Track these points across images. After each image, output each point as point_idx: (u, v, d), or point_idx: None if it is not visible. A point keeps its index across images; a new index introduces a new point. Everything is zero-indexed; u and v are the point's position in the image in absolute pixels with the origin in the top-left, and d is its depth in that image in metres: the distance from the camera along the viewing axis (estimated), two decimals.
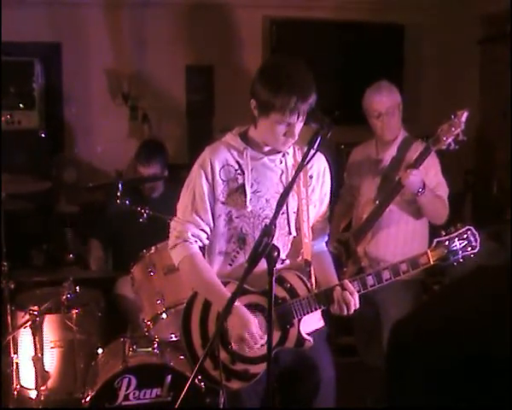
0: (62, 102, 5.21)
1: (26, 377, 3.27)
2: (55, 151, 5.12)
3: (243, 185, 2.29)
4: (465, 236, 2.39)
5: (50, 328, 3.24)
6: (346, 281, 2.29)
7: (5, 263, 3.24)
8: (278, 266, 2.29)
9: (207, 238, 2.35)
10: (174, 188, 3.78)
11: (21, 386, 3.29)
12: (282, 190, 2.26)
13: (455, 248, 2.37)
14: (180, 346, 3.15)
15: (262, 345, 2.21)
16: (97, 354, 3.23)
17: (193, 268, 2.33)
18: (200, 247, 2.36)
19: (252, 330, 2.20)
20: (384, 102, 3.15)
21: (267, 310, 1.91)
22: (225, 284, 2.29)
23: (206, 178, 2.29)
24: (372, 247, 3.21)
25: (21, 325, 3.17)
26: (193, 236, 2.32)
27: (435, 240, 2.39)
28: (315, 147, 2.07)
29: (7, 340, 3.21)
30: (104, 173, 5.19)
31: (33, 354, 3.16)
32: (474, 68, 5.58)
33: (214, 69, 5.40)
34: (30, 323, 3.13)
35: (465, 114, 2.83)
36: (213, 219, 2.33)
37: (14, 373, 3.27)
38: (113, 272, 3.86)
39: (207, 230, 2.34)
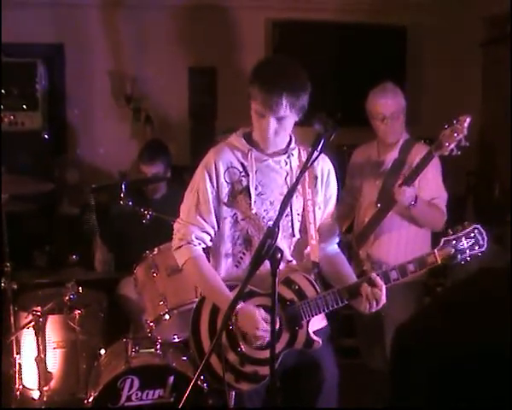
0: (65, 103, 5.22)
1: (29, 378, 3.28)
2: (58, 152, 5.13)
3: (247, 188, 2.30)
4: (472, 234, 2.38)
5: (53, 329, 3.25)
6: (374, 274, 2.29)
7: (8, 264, 3.25)
8: (284, 267, 2.30)
9: (211, 240, 2.36)
10: (177, 189, 3.81)
11: (24, 386, 3.30)
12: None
13: (462, 247, 2.37)
14: (183, 347, 3.18)
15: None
16: (100, 354, 3.23)
17: (196, 270, 2.34)
18: (203, 248, 2.36)
19: (261, 322, 2.20)
20: (389, 105, 3.13)
21: (271, 311, 1.91)
22: (233, 287, 2.29)
23: (211, 181, 2.30)
24: (374, 250, 3.21)
25: (24, 326, 3.18)
26: (196, 238, 2.33)
27: (442, 239, 2.38)
28: (319, 149, 2.08)
29: (10, 340, 3.22)
30: (106, 175, 5.20)
31: (36, 354, 3.17)
32: (476, 70, 5.57)
33: (217, 71, 5.41)
34: (33, 323, 3.14)
35: (468, 120, 2.79)
36: (219, 222, 2.33)
37: (16, 374, 3.28)
38: (115, 272, 3.86)
39: (211, 232, 2.34)
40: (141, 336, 3.21)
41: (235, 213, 2.32)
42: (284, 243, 2.33)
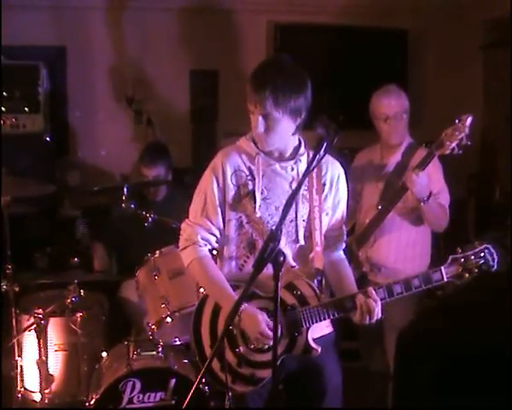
0: (67, 105, 5.22)
1: (31, 380, 3.28)
2: (60, 154, 5.13)
3: (253, 191, 2.30)
4: (482, 254, 2.28)
5: (55, 331, 3.25)
6: (371, 288, 2.27)
7: (9, 266, 3.25)
8: (287, 272, 2.30)
9: (217, 242, 2.37)
10: (178, 191, 3.83)
11: (25, 389, 3.30)
12: None
13: (470, 266, 2.28)
14: (184, 350, 3.18)
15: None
16: (101, 357, 3.24)
17: (202, 271, 2.35)
18: (209, 250, 2.37)
19: (263, 327, 2.20)
20: (393, 105, 3.14)
21: (274, 314, 1.91)
22: (235, 287, 2.29)
23: (218, 183, 2.31)
24: (374, 252, 3.21)
25: (26, 328, 3.18)
26: (202, 239, 2.33)
27: (450, 257, 2.29)
28: (321, 152, 2.07)
29: (11, 343, 3.22)
30: (108, 177, 5.20)
31: (37, 357, 3.18)
32: (477, 73, 5.58)
33: (218, 74, 5.41)
34: (34, 326, 3.14)
35: (469, 119, 2.80)
36: (224, 224, 2.34)
37: (18, 376, 3.28)
38: (117, 275, 3.87)
39: (217, 233, 2.35)
40: (142, 339, 3.21)
41: (240, 217, 2.32)
42: (288, 248, 2.32)
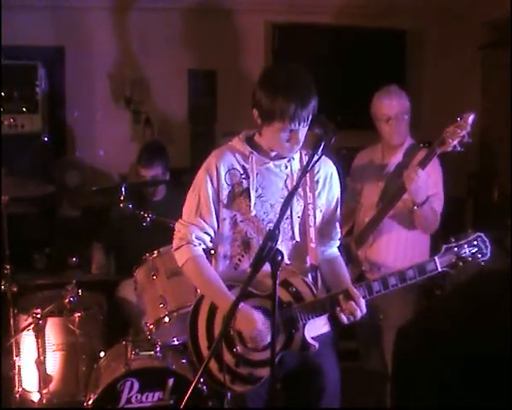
0: (65, 105, 5.23)
1: (29, 380, 3.28)
2: (58, 155, 5.14)
3: (248, 190, 2.31)
4: (475, 242, 2.33)
5: (53, 331, 3.24)
6: (351, 287, 2.28)
7: (8, 266, 3.25)
8: (282, 270, 2.30)
9: (211, 241, 2.37)
10: (176, 191, 3.83)
11: (24, 389, 3.29)
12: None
13: (464, 254, 2.32)
14: (182, 350, 3.18)
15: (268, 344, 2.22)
16: (100, 357, 3.23)
17: (196, 270, 2.35)
18: (203, 249, 2.37)
19: (259, 327, 2.20)
20: (394, 106, 3.14)
21: (272, 312, 1.92)
22: (231, 287, 2.30)
23: (212, 182, 2.31)
24: (373, 251, 3.21)
25: (24, 328, 3.18)
26: (197, 238, 2.34)
27: (444, 246, 2.33)
28: (319, 152, 2.08)
29: (10, 343, 3.22)
30: (106, 177, 5.20)
31: (36, 357, 3.18)
32: (476, 74, 5.59)
33: (217, 74, 5.42)
34: (32, 326, 3.14)
35: (471, 116, 2.80)
36: (218, 223, 2.34)
37: (16, 376, 3.27)
38: (115, 275, 3.86)
39: (211, 233, 2.35)
40: (140, 339, 3.21)
41: (234, 215, 2.33)
42: (284, 246, 2.33)
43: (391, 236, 3.19)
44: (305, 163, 2.31)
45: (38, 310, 3.17)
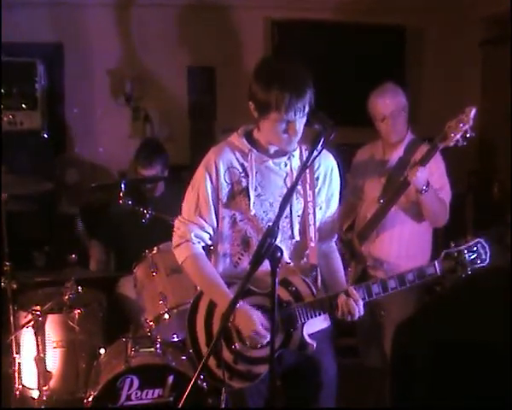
0: (64, 102, 5.22)
1: (29, 377, 3.28)
2: (57, 152, 5.13)
3: (247, 188, 2.29)
4: (475, 248, 2.32)
5: (53, 328, 3.24)
6: (351, 288, 2.28)
7: (7, 263, 3.25)
8: (282, 268, 2.30)
9: (210, 239, 2.36)
10: (175, 188, 3.81)
11: (24, 386, 3.29)
12: None
13: (464, 260, 2.31)
14: (182, 346, 3.18)
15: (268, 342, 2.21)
16: (99, 354, 3.23)
17: (196, 268, 2.34)
18: (203, 247, 2.37)
19: (257, 327, 2.20)
20: (388, 104, 3.13)
21: (271, 310, 1.91)
22: (230, 284, 2.29)
23: (211, 180, 2.30)
24: (376, 247, 3.21)
25: (24, 325, 3.18)
26: (196, 237, 2.33)
27: (444, 252, 2.33)
28: (318, 149, 2.07)
29: (9, 340, 3.22)
30: (106, 174, 5.20)
31: (35, 354, 3.17)
32: (476, 70, 5.58)
33: (216, 70, 5.41)
34: (32, 323, 3.13)
35: (473, 111, 2.79)
36: (217, 221, 2.33)
37: (16, 373, 3.28)
38: (115, 272, 3.86)
39: (210, 231, 2.34)
40: (140, 336, 3.21)
41: (233, 214, 2.32)
42: (283, 245, 2.31)
43: (394, 231, 3.19)
44: (304, 159, 2.30)
45: (38, 307, 3.16)
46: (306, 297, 2.30)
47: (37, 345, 3.15)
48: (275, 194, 2.30)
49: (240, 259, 2.35)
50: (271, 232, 1.89)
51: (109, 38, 5.22)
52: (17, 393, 3.28)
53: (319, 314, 2.30)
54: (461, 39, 5.40)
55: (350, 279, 3.09)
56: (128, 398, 2.95)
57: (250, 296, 2.27)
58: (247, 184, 2.29)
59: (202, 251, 2.36)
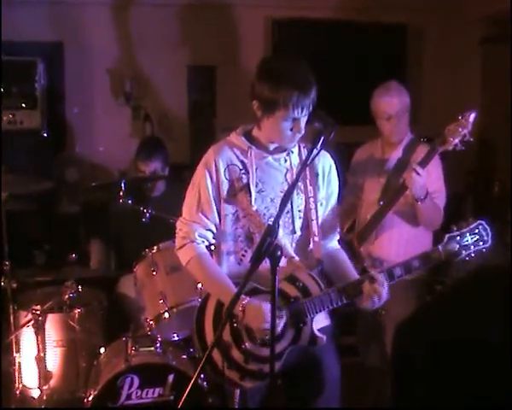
0: (64, 101, 5.22)
1: (29, 377, 3.28)
2: (57, 151, 5.13)
3: (248, 185, 2.30)
4: (476, 230, 2.37)
5: (53, 327, 3.24)
6: (375, 272, 2.30)
7: (7, 262, 3.25)
8: (288, 264, 2.30)
9: (213, 237, 2.37)
10: (176, 187, 3.81)
11: (24, 385, 3.29)
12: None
13: (466, 243, 2.36)
14: (182, 345, 3.18)
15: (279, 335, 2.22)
16: (100, 353, 3.23)
17: (201, 268, 2.34)
18: (206, 246, 2.37)
19: (269, 317, 2.20)
20: (395, 104, 3.12)
21: (272, 308, 1.91)
22: (237, 285, 2.28)
23: (211, 178, 2.30)
24: (375, 247, 3.21)
25: (24, 325, 3.17)
26: (199, 236, 2.33)
27: (446, 235, 2.37)
28: (318, 146, 2.08)
29: (9, 339, 3.22)
30: (106, 173, 5.20)
31: (36, 353, 3.17)
32: (476, 69, 5.58)
33: (216, 69, 5.41)
34: (32, 322, 3.13)
35: (473, 115, 2.81)
36: (220, 219, 2.33)
37: (16, 373, 3.27)
38: (115, 271, 3.86)
39: (213, 229, 2.35)
40: (140, 335, 3.20)
41: (236, 211, 2.33)
42: (286, 239, 2.33)
43: (393, 232, 3.19)
44: (304, 157, 2.31)
45: (38, 306, 3.16)
46: (314, 292, 2.30)
47: (38, 344, 3.15)
48: (276, 189, 2.32)
49: (244, 255, 2.35)
50: (271, 230, 1.90)
51: (109, 37, 5.22)
52: (17, 392, 3.28)
53: (328, 307, 2.31)
54: (461, 38, 5.40)
55: None
56: (128, 397, 2.94)
57: (257, 295, 2.27)
58: (248, 180, 2.30)
59: (206, 251, 2.36)
